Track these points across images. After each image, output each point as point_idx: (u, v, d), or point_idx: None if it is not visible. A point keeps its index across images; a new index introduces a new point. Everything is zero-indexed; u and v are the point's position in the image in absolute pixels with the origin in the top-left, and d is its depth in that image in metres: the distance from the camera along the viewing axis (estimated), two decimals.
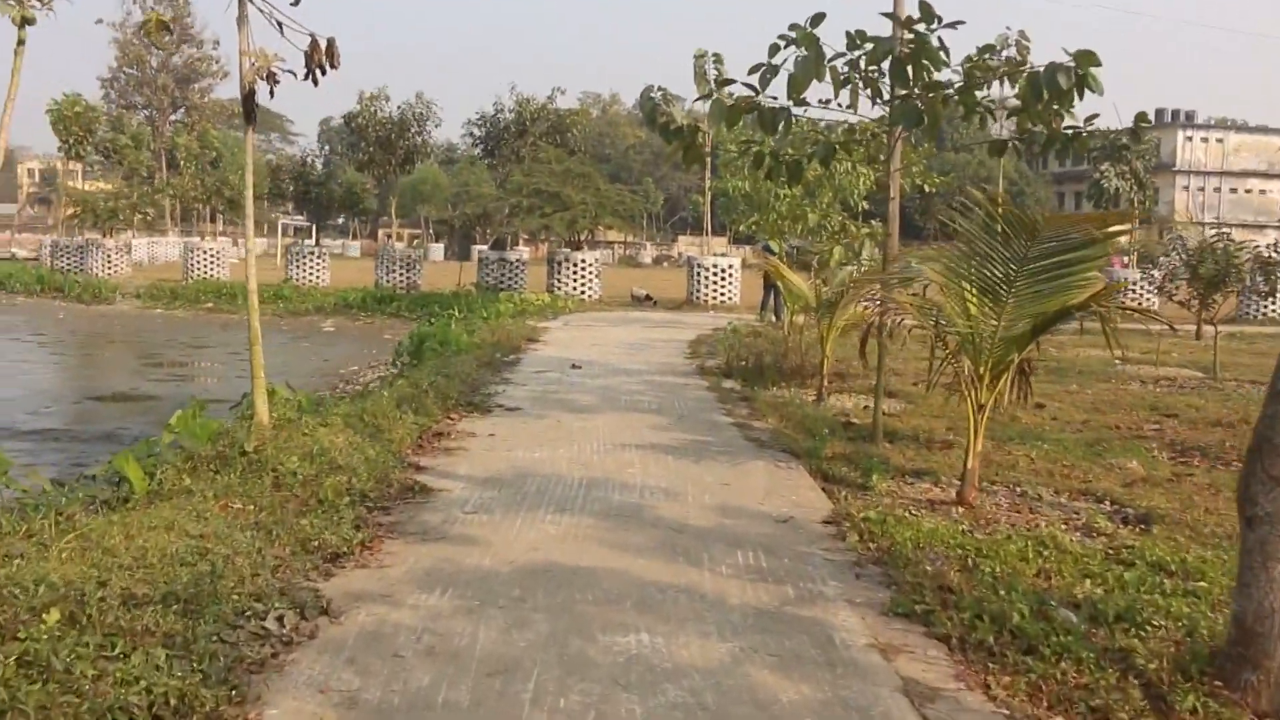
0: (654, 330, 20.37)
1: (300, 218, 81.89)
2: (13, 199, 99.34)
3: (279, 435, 7.12)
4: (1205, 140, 76.65)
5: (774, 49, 7.75)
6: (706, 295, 27.86)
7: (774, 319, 22.16)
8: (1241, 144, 78.83)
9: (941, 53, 7.68)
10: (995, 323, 6.61)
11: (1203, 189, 75.83)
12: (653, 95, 8.73)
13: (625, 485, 7.01)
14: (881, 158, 19.39)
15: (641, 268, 67.37)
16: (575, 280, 28.67)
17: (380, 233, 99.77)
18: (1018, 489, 7.38)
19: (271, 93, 7.28)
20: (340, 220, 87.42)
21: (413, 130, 32.86)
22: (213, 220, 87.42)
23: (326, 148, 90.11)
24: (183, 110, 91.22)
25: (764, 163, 8.92)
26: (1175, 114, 75.79)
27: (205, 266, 33.70)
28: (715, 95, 8.20)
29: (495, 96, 48.50)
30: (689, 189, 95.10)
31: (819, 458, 7.94)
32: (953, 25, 7.71)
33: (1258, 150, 77.74)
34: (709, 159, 28.05)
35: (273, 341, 25.48)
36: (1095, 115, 8.33)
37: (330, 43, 7.26)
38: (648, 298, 28.95)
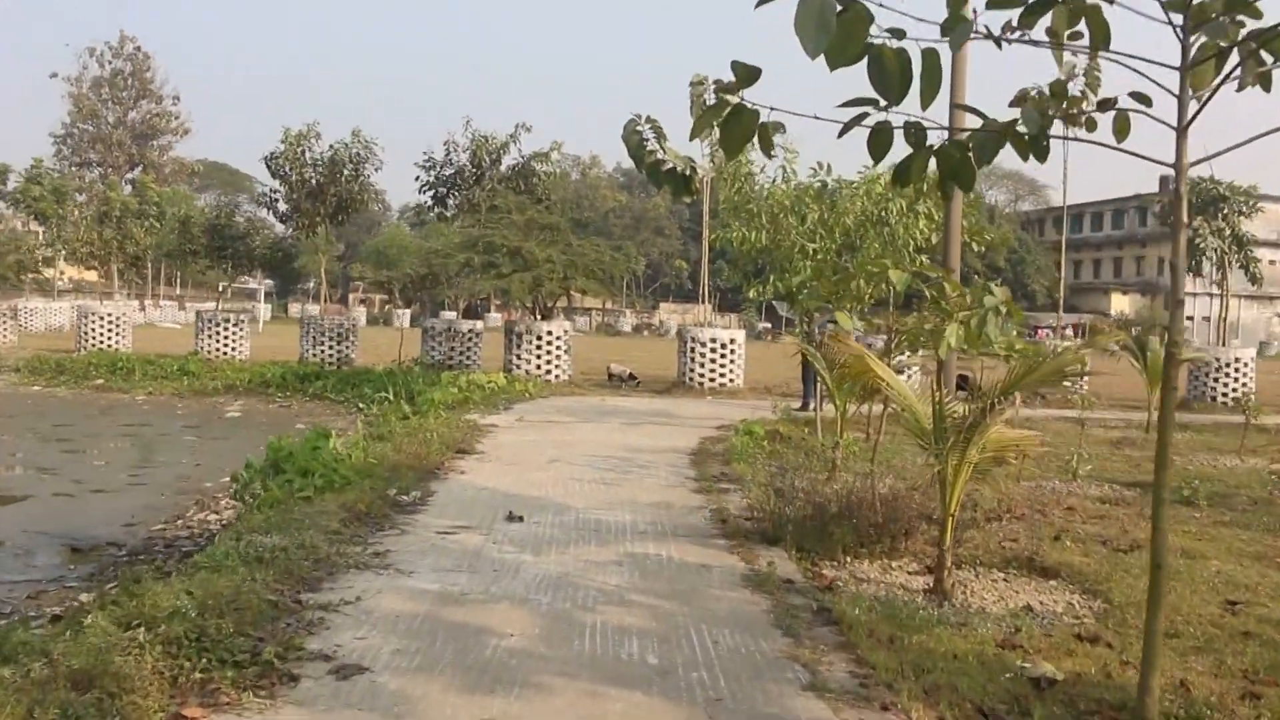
0: (640, 430, 15.05)
1: (268, 282, 76.91)
2: None
3: None
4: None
5: None
6: (703, 376, 22.52)
7: (792, 409, 17.03)
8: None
9: None
10: None
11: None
12: (639, 129, 4.67)
13: None
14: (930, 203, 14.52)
15: (621, 336, 62.39)
16: (539, 357, 23.29)
17: (351, 297, 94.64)
18: None
19: None
20: (311, 284, 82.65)
21: (345, 174, 27.19)
22: (169, 282, 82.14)
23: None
24: (140, 168, 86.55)
25: (889, 144, 3.87)
26: None
27: (101, 335, 28.29)
28: None
29: (447, 134, 42.07)
30: (670, 254, 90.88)
31: None
32: None
33: (1271, 220, 74.32)
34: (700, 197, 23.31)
35: (155, 430, 20.12)
36: None
37: None
38: (630, 377, 23.70)
